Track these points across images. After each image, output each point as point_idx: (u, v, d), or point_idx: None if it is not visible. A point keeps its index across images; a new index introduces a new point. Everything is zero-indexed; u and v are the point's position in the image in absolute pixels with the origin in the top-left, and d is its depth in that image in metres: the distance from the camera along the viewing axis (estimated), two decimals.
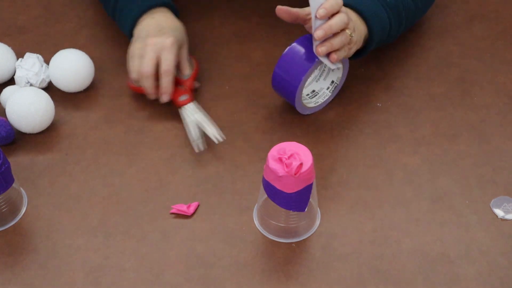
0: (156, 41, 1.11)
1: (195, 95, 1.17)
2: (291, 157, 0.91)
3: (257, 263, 0.96)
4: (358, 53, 1.13)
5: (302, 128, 1.13)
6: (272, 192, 0.93)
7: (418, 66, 1.22)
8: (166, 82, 1.11)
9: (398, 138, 1.11)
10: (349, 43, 1.06)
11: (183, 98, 1.13)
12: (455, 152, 1.09)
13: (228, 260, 0.96)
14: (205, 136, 1.09)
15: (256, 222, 1.00)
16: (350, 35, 1.04)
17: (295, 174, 0.90)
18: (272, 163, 0.91)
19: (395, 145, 1.10)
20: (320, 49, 1.04)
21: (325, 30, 1.02)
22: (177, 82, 1.15)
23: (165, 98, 1.12)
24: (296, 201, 0.93)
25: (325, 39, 1.03)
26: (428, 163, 1.08)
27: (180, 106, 1.13)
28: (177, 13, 1.19)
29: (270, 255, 0.97)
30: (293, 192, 0.92)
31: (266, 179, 0.93)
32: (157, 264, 0.96)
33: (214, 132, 1.09)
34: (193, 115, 1.11)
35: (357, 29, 1.08)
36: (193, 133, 1.09)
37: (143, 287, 0.94)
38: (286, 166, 0.90)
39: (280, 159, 0.91)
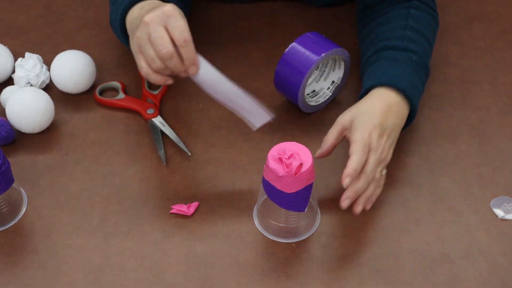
0: (155, 13, 0.95)
1: (196, 96, 1.17)
2: (291, 157, 0.91)
3: (257, 263, 0.96)
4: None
5: (302, 128, 1.13)
6: (272, 192, 0.93)
7: None
8: (187, 52, 0.96)
9: (398, 138, 1.11)
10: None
11: (150, 111, 1.14)
12: (455, 152, 1.09)
13: (228, 260, 0.96)
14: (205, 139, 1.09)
15: (256, 222, 1.00)
16: (381, 173, 0.97)
17: (295, 174, 0.90)
18: (272, 163, 0.91)
19: (395, 145, 1.10)
20: (356, 210, 0.96)
21: (351, 198, 0.95)
22: (146, 95, 1.17)
23: (193, 69, 0.98)
24: (296, 201, 0.93)
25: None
26: (428, 163, 1.08)
27: (147, 119, 1.14)
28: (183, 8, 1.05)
29: (270, 255, 0.97)
30: (293, 192, 0.92)
31: (266, 179, 0.93)
32: (157, 264, 0.96)
33: (182, 145, 1.10)
34: (159, 128, 1.12)
35: (399, 115, 1.01)
36: (158, 146, 1.10)
37: (143, 287, 0.94)
38: (286, 166, 0.90)
39: (280, 159, 0.91)
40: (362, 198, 0.96)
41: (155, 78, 0.99)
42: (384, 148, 0.98)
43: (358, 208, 0.96)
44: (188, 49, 0.95)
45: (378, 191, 0.99)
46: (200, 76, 0.99)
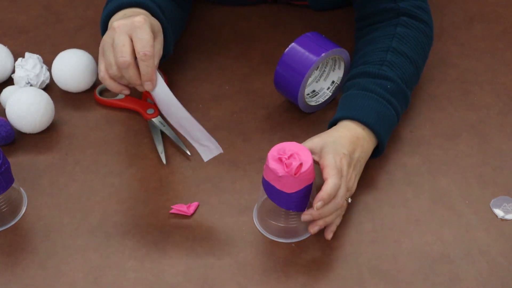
0: (124, 21, 0.95)
1: (196, 96, 1.17)
2: (291, 157, 0.91)
3: (257, 263, 0.96)
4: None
5: (302, 128, 1.13)
6: (272, 192, 0.93)
7: None
8: (146, 67, 0.95)
9: (398, 138, 1.11)
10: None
11: (150, 111, 1.14)
12: (455, 152, 1.09)
13: (228, 260, 0.96)
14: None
15: (256, 222, 1.00)
16: (347, 200, 0.97)
17: (295, 174, 0.90)
18: (272, 163, 0.91)
19: (395, 145, 1.10)
20: (312, 230, 0.95)
21: (313, 216, 0.94)
22: (146, 95, 1.17)
23: (149, 86, 0.97)
24: (296, 201, 0.93)
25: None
26: (428, 163, 1.08)
27: (147, 119, 1.13)
28: (160, 17, 1.05)
29: (270, 255, 0.97)
30: (293, 192, 0.92)
31: (266, 179, 0.93)
32: (157, 264, 0.96)
33: (182, 145, 1.09)
34: (158, 128, 1.12)
35: (365, 150, 1.01)
36: (158, 146, 1.09)
37: (143, 287, 0.94)
38: (286, 166, 0.90)
39: (280, 159, 0.91)
40: (321, 221, 0.95)
41: (110, 85, 1.00)
42: (351, 178, 0.98)
43: (314, 229, 0.95)
44: (147, 63, 0.95)
45: (338, 220, 0.98)
46: (155, 94, 0.99)
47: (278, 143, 0.94)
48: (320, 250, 0.97)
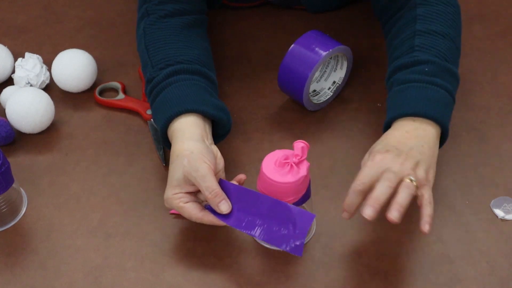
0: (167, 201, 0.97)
1: None
2: (292, 157, 0.91)
3: (257, 263, 0.96)
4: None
5: (302, 128, 1.13)
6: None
7: None
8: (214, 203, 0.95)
9: None
10: (419, 187, 0.92)
11: (150, 112, 1.14)
12: (455, 152, 1.09)
13: (228, 260, 0.96)
14: None
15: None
16: (412, 181, 0.91)
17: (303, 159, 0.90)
18: (276, 176, 0.91)
19: None
20: (365, 212, 0.90)
21: (373, 206, 0.89)
22: (145, 96, 1.16)
23: (224, 207, 0.95)
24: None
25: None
26: None
27: (147, 119, 1.14)
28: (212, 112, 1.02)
29: (270, 256, 0.97)
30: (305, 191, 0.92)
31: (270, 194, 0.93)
32: (157, 264, 0.96)
33: None
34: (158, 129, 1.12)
35: (421, 138, 0.96)
36: (157, 146, 1.09)
37: (143, 287, 0.94)
38: (296, 166, 0.90)
39: (287, 165, 0.91)
40: (394, 204, 0.90)
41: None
42: (403, 164, 0.92)
43: (392, 214, 0.89)
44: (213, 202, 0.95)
45: (429, 210, 0.91)
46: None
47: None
48: (320, 250, 0.97)
